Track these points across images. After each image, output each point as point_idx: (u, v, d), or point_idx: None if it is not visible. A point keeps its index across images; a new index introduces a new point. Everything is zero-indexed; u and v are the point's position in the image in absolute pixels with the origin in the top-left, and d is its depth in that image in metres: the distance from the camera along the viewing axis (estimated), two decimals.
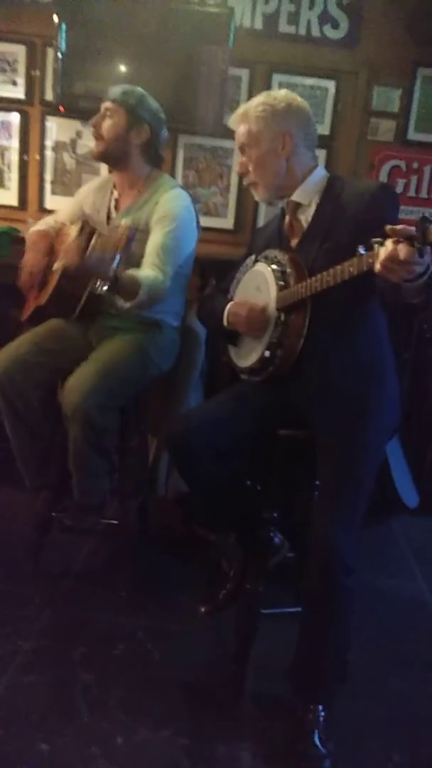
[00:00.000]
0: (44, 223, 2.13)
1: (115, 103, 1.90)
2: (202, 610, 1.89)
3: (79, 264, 1.57)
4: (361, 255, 1.24)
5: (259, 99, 1.58)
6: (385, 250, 1.17)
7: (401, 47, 2.62)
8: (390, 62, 2.63)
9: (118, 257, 1.48)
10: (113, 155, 1.95)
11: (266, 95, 1.58)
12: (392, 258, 1.15)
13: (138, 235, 1.90)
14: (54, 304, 1.95)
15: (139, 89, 1.94)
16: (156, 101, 1.97)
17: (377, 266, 1.19)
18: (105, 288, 1.60)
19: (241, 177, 1.66)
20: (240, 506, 1.75)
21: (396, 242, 1.16)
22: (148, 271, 1.80)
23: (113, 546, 2.06)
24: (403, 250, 1.13)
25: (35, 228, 2.11)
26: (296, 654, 1.49)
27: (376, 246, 1.20)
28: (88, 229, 1.58)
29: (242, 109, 1.59)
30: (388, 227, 1.16)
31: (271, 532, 1.74)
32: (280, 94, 1.58)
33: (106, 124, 1.91)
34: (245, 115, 1.57)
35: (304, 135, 1.57)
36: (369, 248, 1.22)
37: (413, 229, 1.11)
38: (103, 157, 1.97)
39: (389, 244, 1.16)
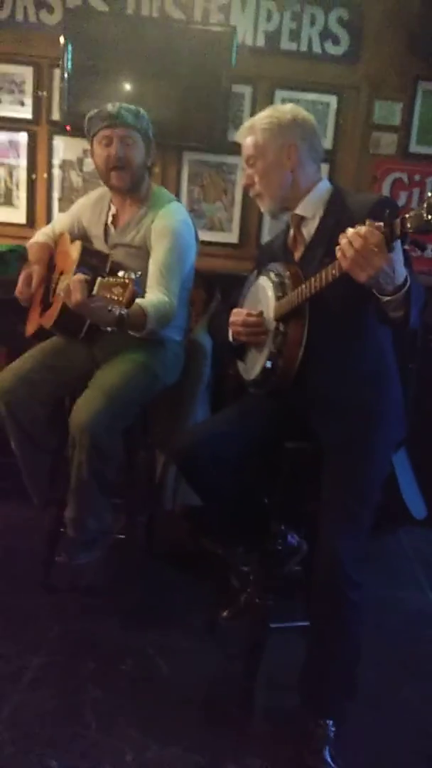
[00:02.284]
0: (43, 234, 2.15)
1: (133, 129, 1.88)
2: (225, 614, 1.88)
3: (81, 310, 1.57)
4: None
5: (266, 112, 1.60)
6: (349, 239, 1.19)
7: (402, 62, 2.65)
8: (391, 77, 2.66)
9: (119, 312, 1.46)
10: (136, 183, 1.94)
11: (273, 109, 1.61)
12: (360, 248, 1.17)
13: (137, 252, 1.92)
14: (59, 329, 1.97)
15: (141, 109, 1.93)
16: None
17: (347, 261, 1.21)
18: (110, 329, 1.61)
19: (247, 189, 1.67)
20: (249, 518, 1.76)
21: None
22: (152, 295, 1.80)
23: (121, 561, 2.06)
24: (370, 232, 1.16)
25: (35, 240, 2.14)
26: (304, 669, 1.49)
27: None
28: (89, 275, 1.56)
29: (249, 122, 1.62)
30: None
31: (288, 535, 1.74)
32: (286, 108, 1.60)
33: (133, 153, 1.88)
34: (252, 128, 1.60)
35: (309, 148, 1.59)
36: None
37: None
38: (130, 188, 1.93)
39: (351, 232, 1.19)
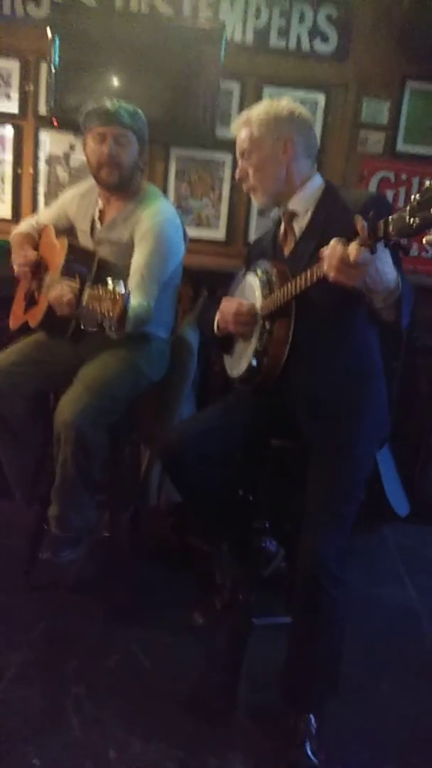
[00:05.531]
0: (27, 225, 2.14)
1: (128, 129, 1.87)
2: (199, 619, 1.89)
3: (69, 316, 1.56)
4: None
5: (262, 105, 1.59)
6: (332, 252, 1.20)
7: (390, 60, 2.65)
8: (379, 75, 2.66)
9: (110, 325, 1.45)
10: (125, 181, 1.92)
11: (269, 102, 1.60)
12: (343, 260, 1.18)
13: (124, 250, 1.91)
14: (45, 328, 1.96)
15: (138, 109, 1.92)
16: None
17: (331, 271, 1.21)
18: (93, 329, 1.61)
19: (240, 183, 1.65)
20: (232, 516, 1.76)
21: (344, 243, 1.18)
22: (133, 299, 1.78)
23: (105, 557, 2.06)
24: (353, 250, 1.15)
25: (18, 230, 2.13)
26: (286, 664, 1.50)
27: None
28: (78, 282, 1.53)
29: (245, 115, 1.60)
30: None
31: (266, 541, 1.75)
32: (282, 102, 1.59)
33: (125, 153, 1.88)
34: (248, 121, 1.58)
35: (304, 143, 1.58)
36: None
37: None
38: (118, 185, 1.92)
39: (339, 246, 1.19)
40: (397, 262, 1.27)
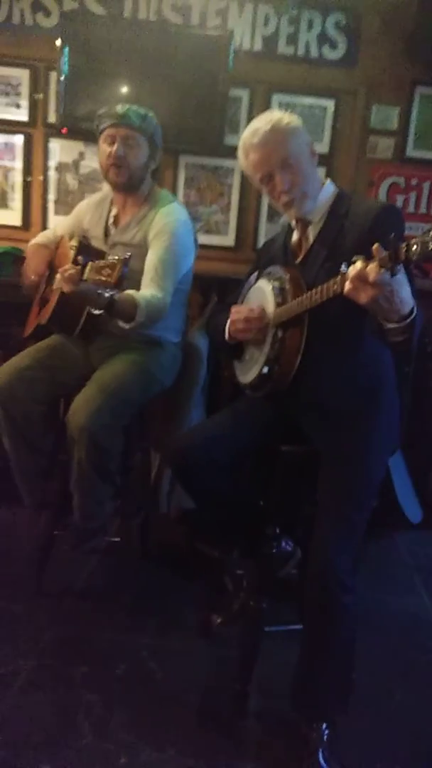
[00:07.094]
0: (43, 236, 2.16)
1: (135, 130, 1.89)
2: (218, 620, 1.87)
3: (72, 292, 1.57)
4: (343, 273, 1.26)
5: (274, 115, 1.56)
6: (353, 268, 1.19)
7: (399, 66, 2.65)
8: (388, 81, 2.67)
9: (108, 293, 1.49)
10: (134, 183, 1.95)
11: (272, 113, 1.58)
12: (360, 276, 1.17)
13: (136, 250, 1.93)
14: (55, 323, 1.97)
15: (150, 113, 1.95)
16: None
17: (347, 285, 1.21)
18: (100, 312, 1.61)
19: (280, 197, 1.56)
20: (243, 521, 1.75)
21: (366, 261, 1.17)
22: (146, 290, 1.81)
23: (115, 564, 2.06)
24: (372, 269, 1.15)
25: (34, 241, 2.15)
26: (297, 672, 1.49)
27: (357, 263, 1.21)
28: (82, 259, 1.58)
29: (267, 127, 1.52)
30: (374, 246, 1.17)
31: (282, 540, 1.74)
32: (278, 112, 1.58)
33: (133, 154, 1.90)
34: (276, 132, 1.53)
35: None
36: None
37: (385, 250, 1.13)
38: (127, 185, 1.95)
39: (359, 263, 1.18)
40: (410, 280, 1.25)
